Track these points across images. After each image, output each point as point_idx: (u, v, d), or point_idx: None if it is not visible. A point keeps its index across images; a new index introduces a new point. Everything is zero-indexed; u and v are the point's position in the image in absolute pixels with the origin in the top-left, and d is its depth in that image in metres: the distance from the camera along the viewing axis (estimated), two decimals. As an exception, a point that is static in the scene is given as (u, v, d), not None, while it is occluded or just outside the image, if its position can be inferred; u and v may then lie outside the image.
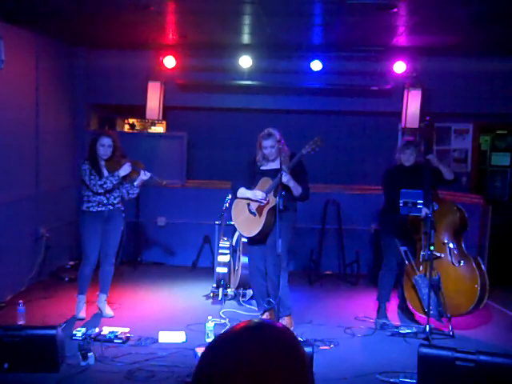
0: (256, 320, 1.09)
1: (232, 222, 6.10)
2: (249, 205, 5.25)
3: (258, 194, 5.14)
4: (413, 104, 7.70)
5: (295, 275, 6.67)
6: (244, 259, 6.18)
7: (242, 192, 5.26)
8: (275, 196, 4.98)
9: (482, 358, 3.87)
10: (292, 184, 5.01)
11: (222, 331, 1.07)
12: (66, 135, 7.49)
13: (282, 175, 4.89)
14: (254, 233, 5.21)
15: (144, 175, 5.39)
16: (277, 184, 4.94)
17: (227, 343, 1.02)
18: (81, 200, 5.48)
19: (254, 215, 5.20)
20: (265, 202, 5.11)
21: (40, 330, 4.29)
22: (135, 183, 5.45)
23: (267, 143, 5.13)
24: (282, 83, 7.85)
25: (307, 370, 1.01)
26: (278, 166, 5.00)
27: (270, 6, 5.23)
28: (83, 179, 5.35)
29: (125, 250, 6.78)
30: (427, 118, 5.55)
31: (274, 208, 5.02)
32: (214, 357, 1.01)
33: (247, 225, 5.28)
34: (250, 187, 5.25)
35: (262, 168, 5.28)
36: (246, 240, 6.09)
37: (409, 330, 5.25)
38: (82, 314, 5.43)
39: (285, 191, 4.99)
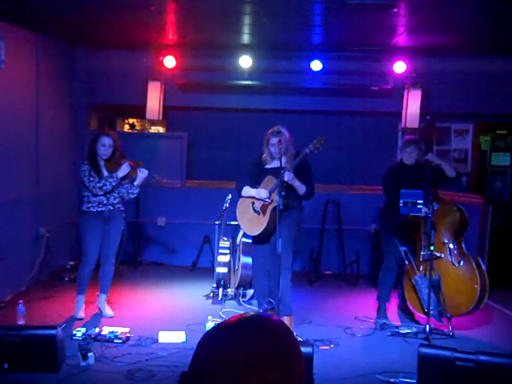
0: (252, 312, 1.11)
1: (233, 222, 6.12)
2: (253, 203, 5.25)
3: (262, 192, 5.13)
4: (413, 104, 7.70)
5: (295, 275, 6.64)
6: (244, 259, 6.18)
7: (247, 190, 5.26)
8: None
9: (482, 358, 3.87)
10: (296, 183, 5.02)
11: (219, 321, 1.08)
12: (66, 135, 7.49)
13: (284, 174, 4.90)
14: (257, 231, 5.21)
15: (141, 172, 5.38)
16: (280, 183, 4.94)
17: (224, 332, 1.04)
18: (81, 200, 5.48)
19: (258, 214, 5.20)
20: (269, 200, 5.12)
21: (40, 330, 4.29)
22: (135, 183, 5.45)
23: (275, 140, 5.12)
24: (282, 83, 7.84)
25: (298, 362, 1.03)
26: (283, 165, 5.01)
27: (270, 6, 5.23)
28: (82, 180, 5.35)
29: (125, 250, 6.78)
30: (428, 117, 5.55)
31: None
32: (210, 346, 1.04)
33: (251, 223, 5.27)
34: (255, 186, 5.25)
35: (267, 167, 5.28)
36: (246, 240, 6.10)
37: (409, 330, 5.25)
38: (81, 314, 5.43)
39: (288, 190, 5.00)
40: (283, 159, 5.06)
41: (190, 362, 1.04)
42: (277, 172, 5.07)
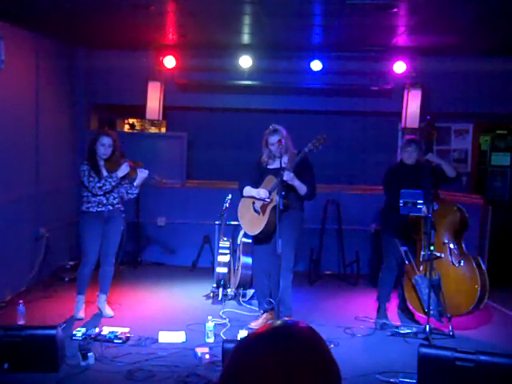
0: (280, 321, 1.12)
1: (233, 222, 6.12)
2: (254, 203, 5.26)
3: (261, 192, 5.14)
4: (413, 104, 7.70)
5: (295, 275, 6.65)
6: (244, 259, 6.18)
7: (248, 190, 5.27)
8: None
9: (482, 358, 3.87)
10: (296, 183, 5.01)
11: (247, 334, 1.09)
12: (66, 135, 7.49)
13: (284, 174, 4.90)
14: (256, 231, 5.21)
15: (141, 172, 5.38)
16: (280, 182, 4.94)
17: (259, 340, 1.05)
18: (81, 200, 5.48)
19: (258, 214, 5.20)
20: (268, 200, 5.11)
21: (40, 330, 4.29)
22: (135, 183, 5.45)
23: (274, 139, 5.12)
24: (282, 83, 7.84)
25: (333, 367, 1.03)
26: (284, 165, 5.01)
27: (270, 6, 5.23)
28: (82, 180, 5.35)
29: (125, 250, 6.78)
30: (428, 117, 5.55)
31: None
32: (247, 354, 1.04)
33: (251, 223, 5.28)
34: (257, 187, 5.25)
35: (269, 167, 5.28)
36: (246, 240, 6.10)
37: (409, 330, 5.25)
38: (81, 314, 5.43)
39: (289, 190, 4.99)
40: (284, 158, 5.06)
41: (220, 375, 1.05)
42: (278, 172, 5.06)
